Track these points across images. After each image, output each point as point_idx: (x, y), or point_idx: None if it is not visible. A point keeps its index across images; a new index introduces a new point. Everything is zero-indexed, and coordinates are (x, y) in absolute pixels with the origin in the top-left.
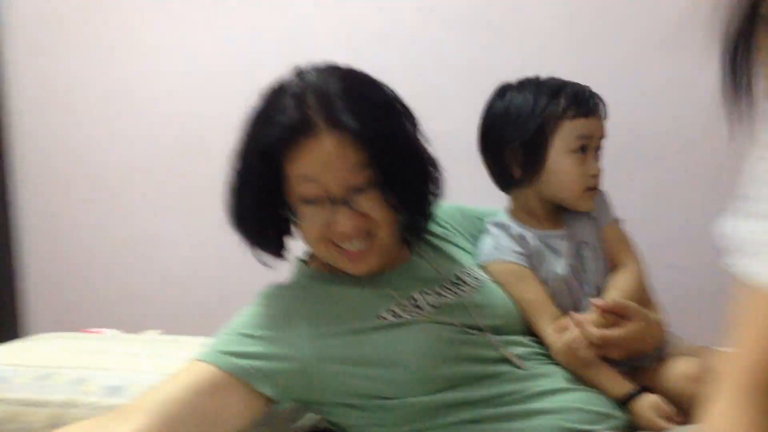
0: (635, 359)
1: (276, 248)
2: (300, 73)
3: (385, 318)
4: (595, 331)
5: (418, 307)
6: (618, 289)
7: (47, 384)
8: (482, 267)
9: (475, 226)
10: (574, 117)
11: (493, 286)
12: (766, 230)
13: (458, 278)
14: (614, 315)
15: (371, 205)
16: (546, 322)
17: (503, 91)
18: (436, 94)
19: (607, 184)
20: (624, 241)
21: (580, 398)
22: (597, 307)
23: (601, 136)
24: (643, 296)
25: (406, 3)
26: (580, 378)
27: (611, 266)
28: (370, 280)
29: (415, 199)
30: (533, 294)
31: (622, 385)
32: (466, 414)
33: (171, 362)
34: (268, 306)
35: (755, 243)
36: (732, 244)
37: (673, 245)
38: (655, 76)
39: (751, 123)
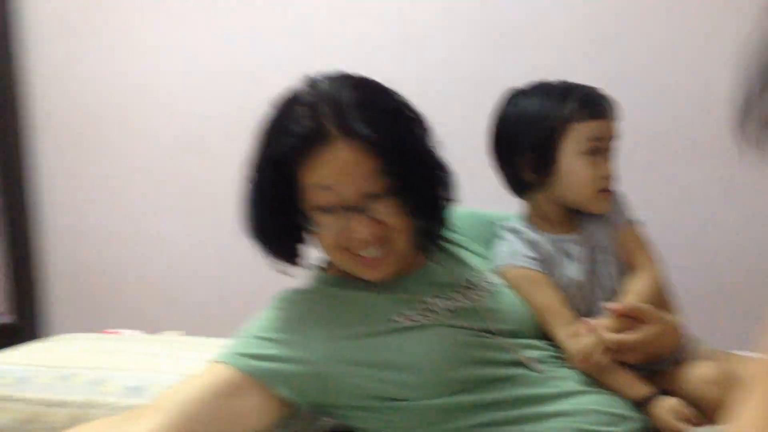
0: (653, 363)
1: (291, 256)
2: (312, 83)
3: (399, 321)
4: (611, 336)
5: (432, 311)
6: (634, 292)
7: (67, 384)
8: (496, 272)
9: (488, 231)
10: (584, 119)
11: (507, 291)
12: None
13: (472, 283)
14: (629, 319)
15: (386, 212)
16: (561, 326)
17: (513, 96)
18: (445, 100)
19: (624, 186)
20: (640, 243)
21: (596, 400)
22: (611, 311)
23: (612, 138)
24: (660, 299)
25: (407, 4)
26: (596, 380)
27: (628, 269)
28: (386, 285)
29: (429, 205)
30: (548, 299)
31: (639, 389)
32: (481, 417)
33: (190, 363)
34: (285, 310)
35: None
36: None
37: (692, 246)
38: (668, 79)
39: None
